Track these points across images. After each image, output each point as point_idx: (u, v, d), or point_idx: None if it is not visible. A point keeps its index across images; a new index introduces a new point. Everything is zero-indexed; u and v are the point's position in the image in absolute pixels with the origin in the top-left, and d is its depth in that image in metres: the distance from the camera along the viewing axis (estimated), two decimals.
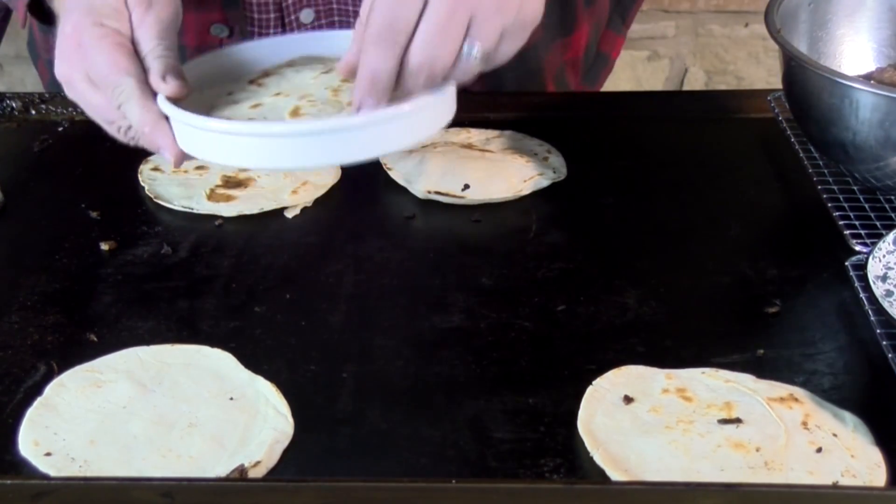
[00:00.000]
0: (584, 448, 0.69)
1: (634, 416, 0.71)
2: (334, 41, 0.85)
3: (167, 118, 0.76)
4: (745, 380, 0.73)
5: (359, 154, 0.72)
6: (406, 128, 0.73)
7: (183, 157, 0.77)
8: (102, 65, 0.78)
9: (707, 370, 0.74)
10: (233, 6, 1.04)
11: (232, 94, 0.81)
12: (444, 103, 0.75)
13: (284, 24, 1.05)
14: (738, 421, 0.69)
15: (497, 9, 0.72)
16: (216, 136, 0.74)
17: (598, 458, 0.68)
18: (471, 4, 0.71)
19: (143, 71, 0.78)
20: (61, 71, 0.80)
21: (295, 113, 0.76)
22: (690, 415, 0.71)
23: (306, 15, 1.05)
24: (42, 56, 1.19)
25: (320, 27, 1.06)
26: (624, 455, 0.68)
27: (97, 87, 0.79)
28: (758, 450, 0.68)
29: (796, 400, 0.71)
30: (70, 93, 0.81)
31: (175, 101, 0.76)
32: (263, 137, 0.72)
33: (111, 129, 0.80)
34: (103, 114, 0.80)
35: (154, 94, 0.77)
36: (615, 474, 0.66)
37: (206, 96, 0.81)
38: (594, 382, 0.73)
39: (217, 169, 0.97)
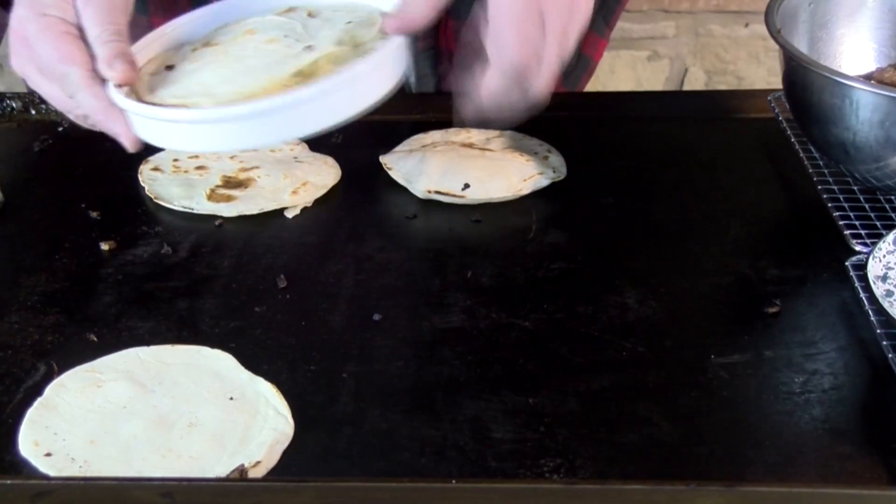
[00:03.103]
0: (584, 448, 0.69)
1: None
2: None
3: None
4: None
5: (313, 127, 0.72)
6: (359, 92, 0.73)
7: (139, 143, 0.77)
8: (48, 56, 0.77)
9: None
10: None
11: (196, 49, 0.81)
12: (396, 57, 0.76)
13: None
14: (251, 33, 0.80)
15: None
16: (164, 124, 0.73)
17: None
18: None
19: (90, 58, 0.76)
20: (15, 64, 0.80)
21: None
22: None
23: None
24: None
25: None
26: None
27: (48, 79, 0.78)
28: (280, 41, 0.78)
29: (294, 10, 0.82)
30: (30, 84, 0.81)
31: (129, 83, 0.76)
32: (211, 123, 0.72)
33: (72, 118, 0.80)
34: (59, 104, 0.79)
35: (104, 81, 0.76)
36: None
37: (170, 56, 0.81)
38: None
39: (217, 169, 0.97)
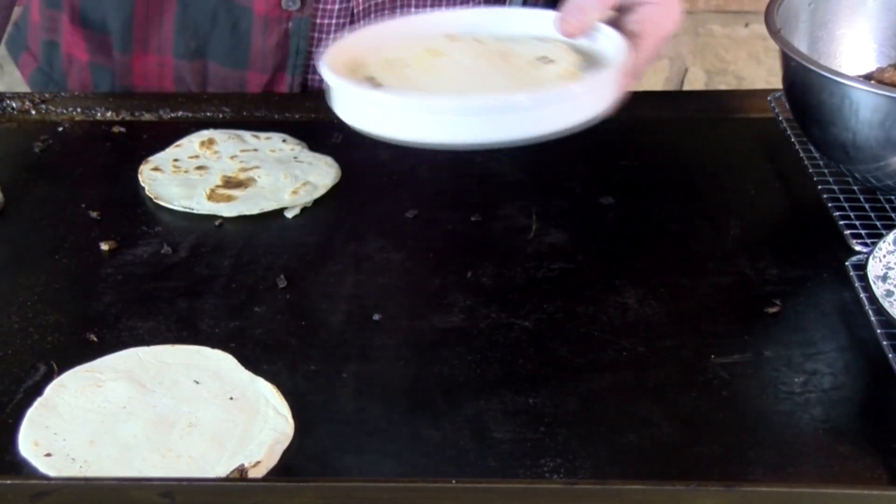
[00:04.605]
0: (584, 448, 0.69)
1: None
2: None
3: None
4: None
5: (516, 133, 0.74)
6: (573, 108, 0.75)
7: None
8: None
9: None
10: None
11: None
12: (607, 86, 0.77)
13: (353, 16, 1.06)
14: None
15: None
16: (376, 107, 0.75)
17: None
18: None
19: None
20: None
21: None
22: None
23: None
24: (39, 38, 1.17)
25: None
26: None
27: None
28: None
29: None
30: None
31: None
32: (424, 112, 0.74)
33: None
34: None
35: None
36: None
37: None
38: None
39: (217, 169, 0.97)
